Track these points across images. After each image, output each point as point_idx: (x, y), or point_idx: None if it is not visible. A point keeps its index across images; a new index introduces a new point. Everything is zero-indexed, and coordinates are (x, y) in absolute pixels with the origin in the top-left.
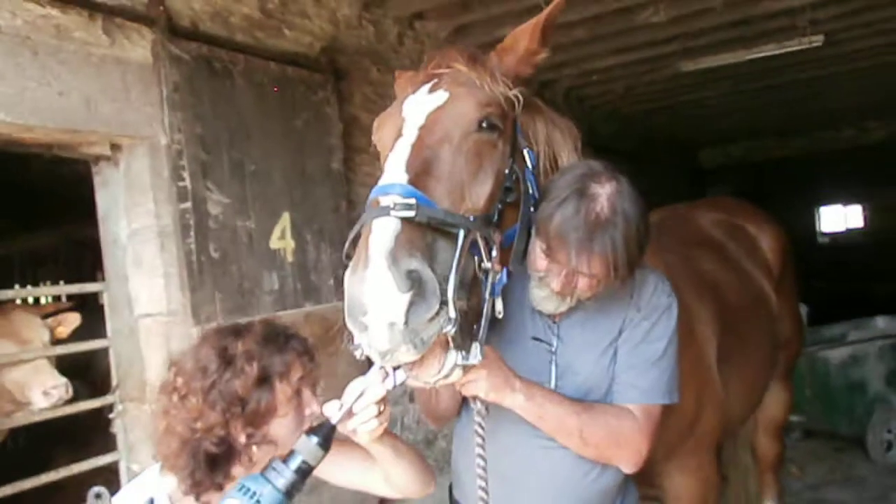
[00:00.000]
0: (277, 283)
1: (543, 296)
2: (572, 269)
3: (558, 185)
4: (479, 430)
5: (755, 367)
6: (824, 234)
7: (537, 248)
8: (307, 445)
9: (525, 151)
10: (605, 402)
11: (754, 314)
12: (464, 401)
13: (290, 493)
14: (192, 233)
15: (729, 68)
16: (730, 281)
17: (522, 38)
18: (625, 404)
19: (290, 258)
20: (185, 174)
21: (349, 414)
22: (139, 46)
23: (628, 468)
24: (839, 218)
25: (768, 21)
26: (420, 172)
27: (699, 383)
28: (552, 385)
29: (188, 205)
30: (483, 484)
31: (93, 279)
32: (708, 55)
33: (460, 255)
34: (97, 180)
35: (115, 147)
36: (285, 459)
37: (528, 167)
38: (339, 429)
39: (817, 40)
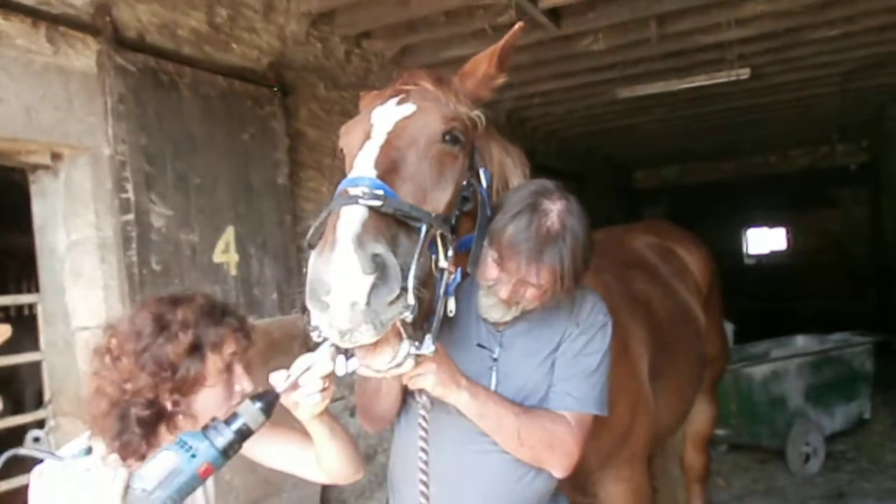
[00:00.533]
0: (220, 297)
1: (491, 304)
2: (521, 279)
3: (512, 200)
4: (423, 424)
5: (684, 382)
6: (750, 256)
7: (489, 257)
8: (250, 409)
9: (481, 170)
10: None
11: (684, 332)
12: (402, 405)
13: (226, 452)
14: (133, 245)
15: (663, 96)
16: (662, 301)
17: (482, 64)
18: (560, 411)
19: (233, 272)
20: (129, 186)
21: (294, 386)
22: (83, 56)
23: (559, 472)
24: (764, 240)
25: (700, 53)
26: (387, 170)
27: (633, 396)
28: (492, 389)
29: (131, 216)
30: (424, 478)
31: (17, 290)
32: (644, 83)
33: (422, 247)
34: (34, 189)
35: (55, 156)
36: (227, 420)
37: (482, 185)
38: (283, 400)
39: (744, 73)
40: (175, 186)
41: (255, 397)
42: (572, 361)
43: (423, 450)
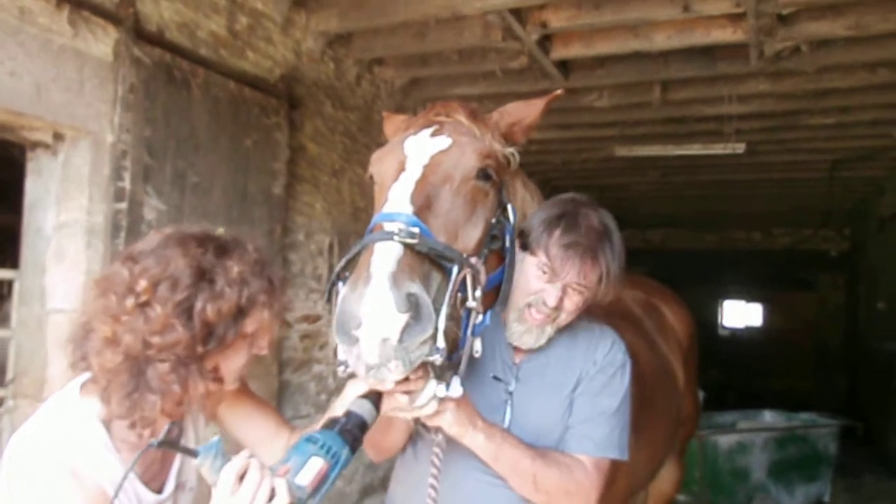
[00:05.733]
0: None
1: (523, 330)
2: (567, 284)
3: (546, 210)
4: (436, 462)
5: (660, 438)
6: (725, 328)
7: (531, 269)
8: (364, 406)
9: (508, 206)
10: (557, 450)
11: (664, 388)
12: (410, 438)
13: (355, 453)
14: (122, 234)
15: (658, 159)
16: (645, 354)
17: (531, 111)
18: (577, 454)
19: None
20: (126, 175)
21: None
22: (102, 43)
23: None
24: (740, 314)
25: (699, 123)
26: (422, 206)
27: None
28: (505, 424)
29: (123, 206)
30: None
31: None
32: (641, 144)
33: (454, 288)
34: (30, 166)
35: (57, 137)
36: (347, 417)
37: (510, 222)
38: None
39: (740, 148)
40: (172, 182)
41: (363, 395)
42: (591, 402)
43: (433, 486)
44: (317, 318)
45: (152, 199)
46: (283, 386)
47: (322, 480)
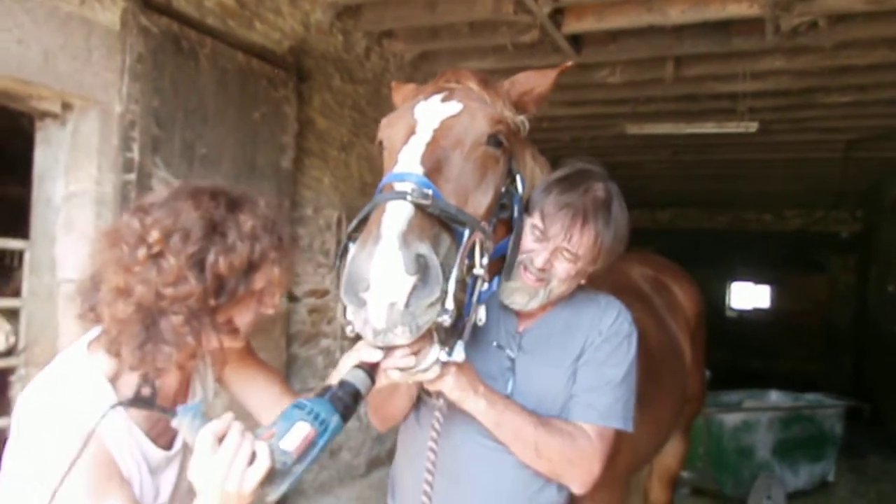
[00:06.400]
0: None
1: (515, 287)
2: (559, 247)
3: (556, 173)
4: (436, 426)
5: (665, 414)
6: (733, 309)
7: (527, 228)
8: (358, 375)
9: (517, 176)
10: (560, 418)
11: (671, 364)
12: (413, 406)
13: (346, 421)
14: (131, 205)
15: (670, 138)
16: (653, 330)
17: (541, 81)
18: (581, 423)
19: None
20: (135, 146)
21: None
22: (109, 11)
23: (578, 488)
24: (748, 295)
25: (712, 101)
26: (432, 169)
27: None
28: (507, 393)
29: (132, 176)
30: (430, 478)
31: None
32: (653, 122)
33: (464, 251)
34: (39, 136)
35: (65, 106)
36: (340, 386)
37: (518, 192)
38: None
39: (753, 126)
40: (181, 154)
41: (357, 366)
42: (596, 372)
43: (432, 450)
44: (325, 293)
45: (161, 170)
46: (291, 359)
47: (309, 446)
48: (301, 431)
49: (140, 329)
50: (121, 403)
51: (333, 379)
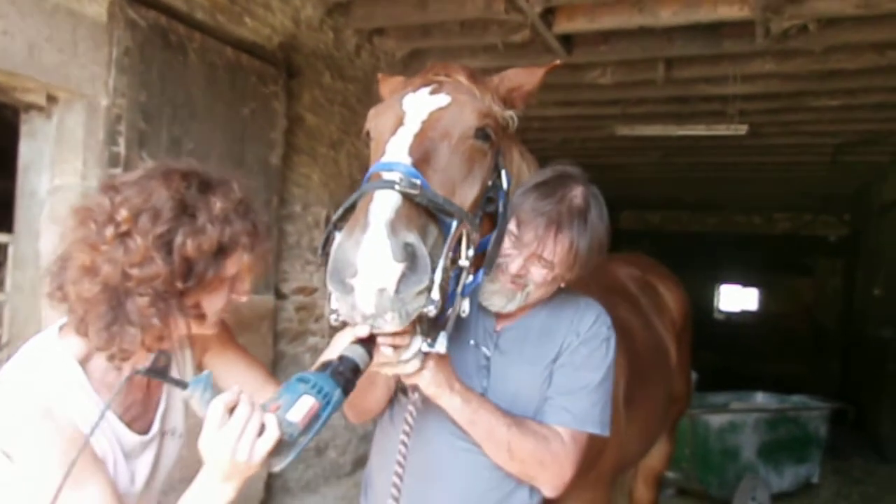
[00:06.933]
0: None
1: (494, 289)
2: (534, 253)
3: (536, 177)
4: (409, 420)
5: (652, 415)
6: (720, 311)
7: (506, 231)
8: (357, 351)
9: (503, 172)
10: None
11: (657, 365)
12: (388, 403)
13: (347, 395)
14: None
15: (660, 140)
16: (639, 331)
17: (530, 78)
18: (555, 426)
19: None
20: (121, 140)
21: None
22: (96, 3)
23: (549, 491)
24: (736, 298)
25: (702, 103)
26: (420, 160)
27: None
28: (482, 391)
29: (118, 171)
30: (399, 471)
31: None
32: (643, 123)
33: (451, 242)
34: (24, 129)
35: (51, 99)
36: (340, 360)
37: (502, 188)
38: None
39: (742, 129)
40: (168, 149)
41: (355, 342)
42: (573, 375)
43: (403, 443)
44: (312, 291)
45: (147, 165)
46: (278, 357)
47: (313, 419)
48: (306, 404)
49: (106, 309)
50: (137, 372)
51: (326, 356)
